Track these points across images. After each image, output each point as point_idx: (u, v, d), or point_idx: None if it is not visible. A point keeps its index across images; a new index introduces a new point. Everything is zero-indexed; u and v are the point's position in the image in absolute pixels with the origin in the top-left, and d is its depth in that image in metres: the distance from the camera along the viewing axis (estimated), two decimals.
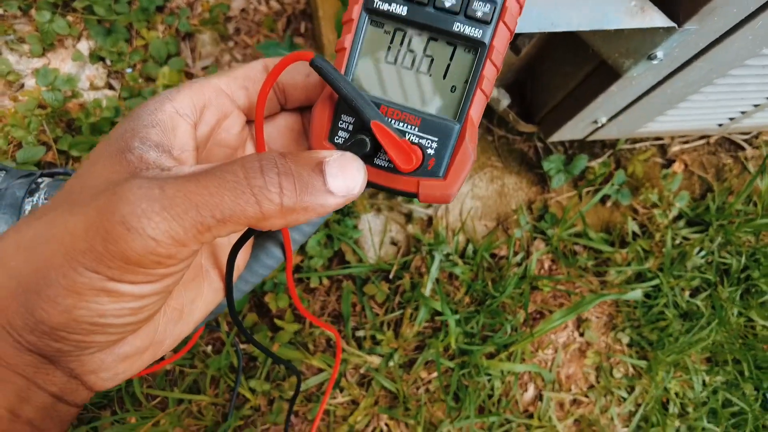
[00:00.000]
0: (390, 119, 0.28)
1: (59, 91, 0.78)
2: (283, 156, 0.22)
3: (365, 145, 0.27)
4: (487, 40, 0.26)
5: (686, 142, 0.87)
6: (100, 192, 0.21)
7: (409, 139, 0.28)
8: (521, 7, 0.27)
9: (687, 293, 0.82)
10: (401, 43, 0.27)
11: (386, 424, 0.71)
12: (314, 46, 0.88)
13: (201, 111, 0.26)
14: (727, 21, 0.41)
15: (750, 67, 0.50)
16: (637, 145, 0.84)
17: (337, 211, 0.73)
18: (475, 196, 0.77)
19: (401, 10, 0.27)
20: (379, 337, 0.72)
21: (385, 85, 0.28)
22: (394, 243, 0.75)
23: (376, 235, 0.74)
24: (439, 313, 0.72)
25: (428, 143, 0.27)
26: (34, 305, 0.20)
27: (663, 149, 0.86)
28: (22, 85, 0.84)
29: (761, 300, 0.83)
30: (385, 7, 0.26)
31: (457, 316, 0.72)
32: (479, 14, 0.26)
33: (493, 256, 0.76)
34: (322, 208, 0.23)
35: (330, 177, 0.22)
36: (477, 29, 0.26)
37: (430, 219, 0.75)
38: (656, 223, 0.80)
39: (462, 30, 0.26)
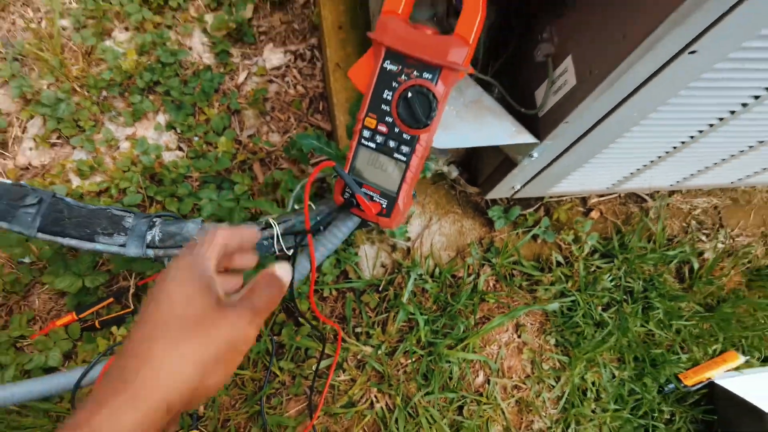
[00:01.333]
0: (365, 190, 0.60)
1: (150, 155, 1.10)
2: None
3: (354, 203, 0.59)
4: (408, 159, 0.58)
5: (602, 196, 1.17)
6: (209, 317, 0.39)
7: (374, 199, 0.60)
8: (428, 145, 0.58)
9: (599, 308, 1.11)
10: (372, 156, 0.59)
11: (375, 396, 1.00)
12: (329, 122, 1.21)
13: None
14: (567, 138, 0.72)
15: (601, 158, 0.81)
16: (563, 198, 1.14)
17: (343, 241, 1.03)
18: (441, 233, 1.08)
19: (374, 145, 0.58)
20: (371, 332, 1.01)
21: (366, 173, 0.60)
22: (383, 265, 1.05)
23: (370, 260, 1.04)
24: (413, 315, 1.01)
25: (383, 202, 0.59)
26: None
27: (584, 201, 1.16)
28: (118, 147, 1.16)
29: (656, 314, 1.12)
30: (368, 144, 0.58)
31: (426, 317, 1.01)
32: (405, 149, 0.58)
33: (453, 276, 1.06)
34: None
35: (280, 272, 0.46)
36: (403, 155, 0.58)
37: (408, 249, 1.06)
38: (574, 255, 1.10)
39: (397, 155, 0.58)
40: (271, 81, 1.25)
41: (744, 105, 0.66)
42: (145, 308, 0.40)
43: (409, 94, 0.60)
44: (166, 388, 0.36)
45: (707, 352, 1.16)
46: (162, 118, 1.18)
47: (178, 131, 1.18)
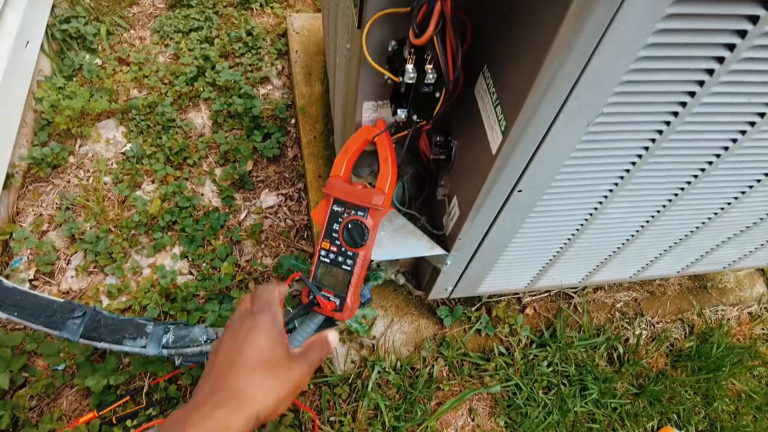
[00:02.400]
0: (324, 293, 0.87)
1: (168, 278, 1.38)
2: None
3: (315, 303, 0.85)
4: (352, 269, 0.85)
5: (534, 295, 1.42)
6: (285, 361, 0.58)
7: (330, 299, 0.86)
8: (366, 258, 0.86)
9: (541, 391, 1.29)
10: (328, 268, 0.87)
11: None
12: (312, 246, 1.51)
13: None
14: (467, 250, 1.00)
15: (502, 263, 1.08)
16: (501, 297, 1.39)
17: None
18: (401, 331, 1.31)
19: (328, 260, 0.86)
20: (343, 420, 1.20)
21: (324, 280, 0.87)
22: (353, 361, 1.27)
23: (341, 357, 1.26)
24: (379, 403, 1.21)
25: (336, 301, 0.86)
26: None
27: (519, 299, 1.41)
28: (141, 273, 1.44)
29: (592, 394, 1.30)
30: (325, 259, 0.87)
31: (389, 405, 1.20)
32: (349, 262, 0.85)
33: (412, 368, 1.27)
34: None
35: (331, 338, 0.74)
36: (349, 266, 0.86)
37: (374, 345, 1.28)
38: (513, 346, 1.32)
39: (345, 266, 0.86)
40: (266, 217, 1.57)
41: (584, 222, 0.95)
42: (235, 349, 0.55)
43: (350, 225, 0.90)
44: (260, 404, 0.52)
45: (646, 429, 1.31)
46: (177, 250, 1.49)
47: (190, 259, 1.47)
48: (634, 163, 0.81)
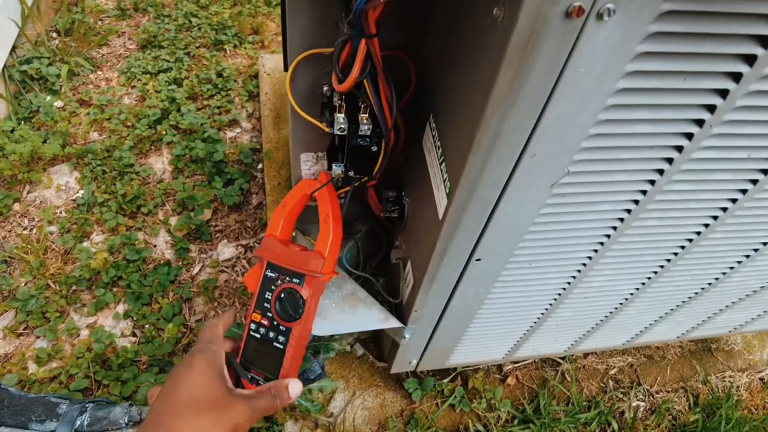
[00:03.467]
0: (254, 375, 0.71)
1: (103, 342, 1.23)
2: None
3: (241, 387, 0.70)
4: (284, 347, 0.71)
5: (516, 362, 1.26)
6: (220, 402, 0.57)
7: (259, 383, 0.71)
8: (302, 334, 0.72)
9: None
10: (258, 344, 0.72)
11: None
12: None
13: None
14: (427, 323, 0.85)
15: (471, 336, 0.93)
16: (480, 366, 1.24)
17: (265, 419, 1.10)
18: (364, 407, 1.15)
19: (259, 335, 0.72)
20: None
21: (254, 359, 0.72)
22: None
23: None
24: None
25: (264, 384, 0.71)
26: None
27: (500, 367, 1.25)
28: (78, 335, 1.29)
29: None
30: (255, 334, 0.72)
31: None
32: (281, 339, 0.71)
33: None
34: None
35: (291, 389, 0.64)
36: (281, 344, 0.71)
37: (330, 425, 1.12)
38: (492, 424, 1.15)
39: (276, 344, 0.71)
40: (222, 271, 1.43)
41: (562, 291, 0.81)
42: (171, 388, 0.54)
43: (282, 295, 0.76)
44: None
45: None
46: (121, 308, 1.34)
47: (134, 319, 1.32)
48: (615, 228, 0.68)
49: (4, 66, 1.71)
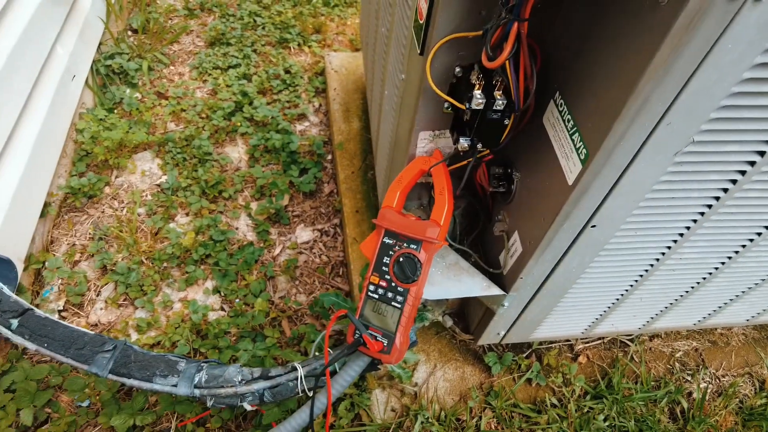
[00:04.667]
0: (371, 332, 0.79)
1: (199, 314, 1.32)
2: None
3: (361, 342, 0.78)
4: (402, 307, 0.78)
5: (587, 342, 1.32)
6: None
7: (377, 339, 0.79)
8: (417, 296, 0.80)
9: None
10: (376, 304, 0.80)
11: None
12: (347, 283, 1.44)
13: None
14: (528, 291, 0.92)
15: (563, 305, 1.00)
16: (552, 344, 1.30)
17: (355, 385, 1.18)
18: (445, 379, 1.22)
19: (377, 296, 0.80)
20: None
21: (371, 318, 0.80)
22: (393, 409, 1.18)
23: (381, 404, 1.17)
24: None
25: (384, 341, 0.79)
26: None
27: (571, 347, 1.31)
28: (172, 308, 1.39)
29: None
30: (373, 295, 0.80)
31: None
32: (399, 299, 0.79)
33: (457, 419, 1.18)
34: None
35: None
36: (398, 303, 0.79)
37: (415, 393, 1.19)
38: (567, 397, 1.21)
39: (394, 303, 0.79)
40: (300, 253, 1.52)
41: (656, 261, 0.87)
42: None
43: (401, 259, 0.84)
44: None
45: None
46: (210, 284, 1.44)
47: (223, 294, 1.42)
48: (717, 198, 0.74)
49: (92, 61, 1.83)
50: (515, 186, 0.86)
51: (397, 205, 0.88)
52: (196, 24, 2.26)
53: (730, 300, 1.09)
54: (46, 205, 1.48)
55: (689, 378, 1.32)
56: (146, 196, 1.62)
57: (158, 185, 1.65)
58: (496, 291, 0.91)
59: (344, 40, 2.26)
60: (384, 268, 0.86)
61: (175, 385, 1.02)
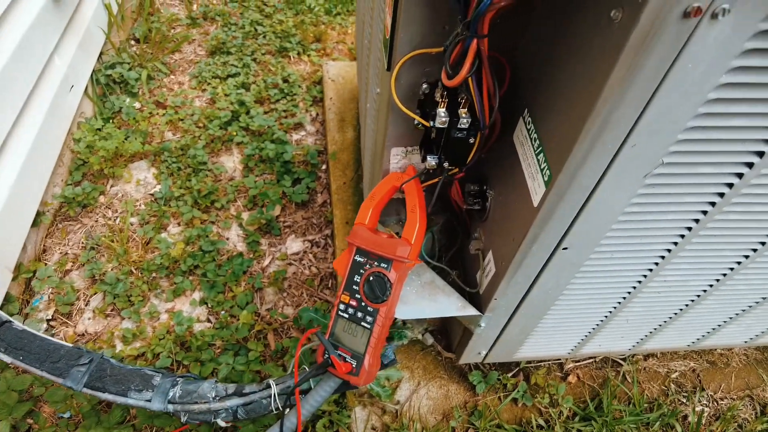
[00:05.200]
0: (340, 353, 0.77)
1: (183, 326, 1.32)
2: None
3: (330, 363, 0.76)
4: (371, 327, 0.76)
5: (578, 361, 1.28)
6: None
7: (346, 360, 0.77)
8: (388, 316, 0.77)
9: None
10: (346, 324, 0.78)
11: None
12: (334, 296, 1.42)
13: None
14: (504, 312, 0.89)
15: (544, 326, 0.96)
16: (541, 363, 1.26)
17: (335, 402, 1.16)
18: (429, 397, 1.19)
19: (347, 315, 0.78)
20: None
21: (341, 338, 0.78)
22: (373, 428, 1.15)
23: (361, 422, 1.15)
24: None
25: (353, 363, 0.76)
26: None
27: (561, 366, 1.28)
28: (158, 318, 1.39)
29: None
30: (344, 314, 0.78)
31: None
32: (369, 319, 0.77)
33: None
34: None
35: None
36: (368, 323, 0.77)
37: (397, 412, 1.17)
38: (554, 419, 1.18)
39: (364, 324, 0.77)
40: (290, 264, 1.51)
41: (638, 284, 0.84)
42: None
43: (371, 278, 0.82)
44: None
45: None
46: (197, 295, 1.43)
47: (209, 306, 1.41)
48: (697, 220, 0.71)
49: (92, 71, 1.85)
50: (489, 204, 0.83)
51: (370, 222, 0.86)
52: (199, 33, 2.27)
53: (724, 322, 1.04)
54: (40, 214, 1.49)
55: (685, 400, 1.27)
56: (140, 205, 1.62)
57: (152, 195, 1.65)
58: (471, 311, 0.89)
59: (344, 48, 2.25)
60: (355, 287, 0.84)
61: (149, 400, 1.01)
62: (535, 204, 0.65)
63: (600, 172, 0.59)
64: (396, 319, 0.91)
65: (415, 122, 0.77)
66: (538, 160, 0.64)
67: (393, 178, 0.86)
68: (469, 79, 0.62)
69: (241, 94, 1.95)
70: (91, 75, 1.85)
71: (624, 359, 1.30)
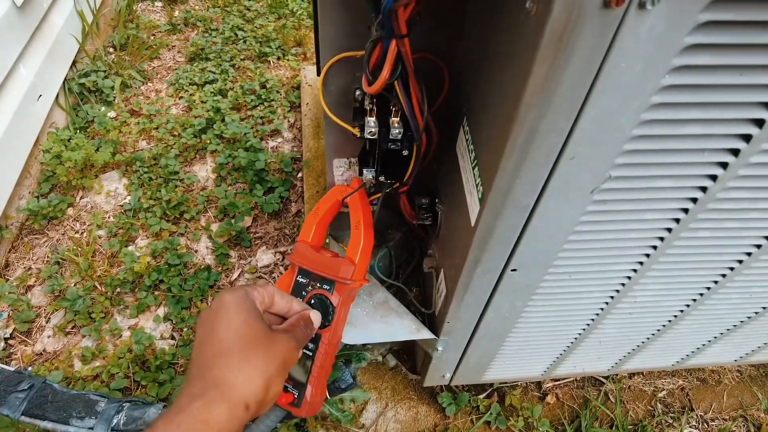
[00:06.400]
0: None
1: (143, 344, 1.26)
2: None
3: None
4: (314, 354, 0.69)
5: (557, 380, 1.20)
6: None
7: (287, 390, 0.70)
8: (332, 342, 0.70)
9: None
10: None
11: None
12: None
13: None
14: (461, 335, 0.82)
15: (509, 350, 0.89)
16: (518, 383, 1.19)
17: (296, 426, 1.09)
18: (396, 420, 1.12)
19: None
20: None
21: None
22: None
23: None
24: None
25: (294, 392, 0.70)
26: None
27: (539, 385, 1.20)
28: (121, 336, 1.34)
29: None
30: None
31: None
32: (311, 346, 0.70)
33: None
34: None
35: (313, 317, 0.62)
36: (310, 350, 0.70)
37: None
38: None
39: (305, 350, 0.70)
40: (260, 277, 1.45)
41: (605, 305, 0.76)
42: (205, 333, 0.48)
43: (313, 301, 0.75)
44: (245, 390, 0.45)
45: None
46: (162, 311, 1.37)
47: (174, 322, 1.35)
48: (662, 239, 0.63)
49: (65, 79, 1.81)
50: (440, 219, 0.77)
51: (314, 239, 0.80)
52: (178, 39, 2.23)
53: (708, 342, 0.96)
54: (2, 228, 1.44)
55: (672, 422, 1.18)
56: (109, 217, 1.57)
57: (122, 206, 1.60)
58: (426, 335, 0.82)
59: None
60: None
61: (92, 428, 0.95)
62: (472, 223, 0.58)
63: (538, 189, 0.52)
64: (342, 344, 0.84)
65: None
66: (474, 174, 0.58)
67: (337, 191, 0.80)
68: (396, 84, 0.55)
69: (217, 101, 1.89)
70: (63, 84, 1.81)
71: (607, 378, 1.22)
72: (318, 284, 0.76)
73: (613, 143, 0.48)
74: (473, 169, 0.58)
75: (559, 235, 0.59)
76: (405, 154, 0.62)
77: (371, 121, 0.60)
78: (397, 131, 0.60)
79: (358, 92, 0.66)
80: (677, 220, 0.60)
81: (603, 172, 0.51)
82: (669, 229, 0.62)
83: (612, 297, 0.75)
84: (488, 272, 0.65)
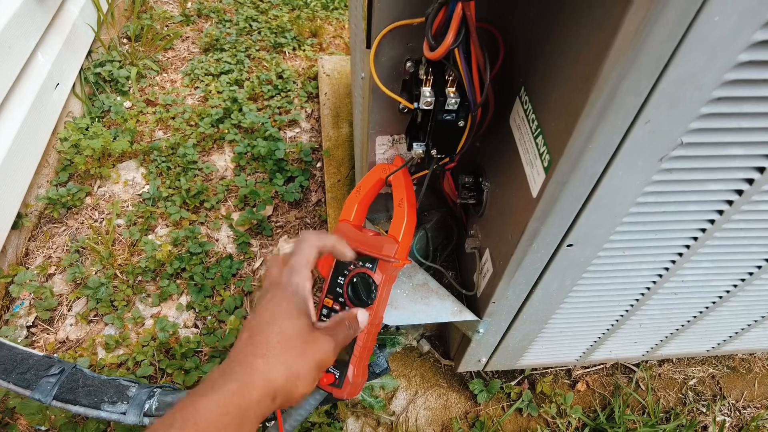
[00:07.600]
0: None
1: (167, 332, 1.25)
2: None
3: None
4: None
5: (587, 367, 1.19)
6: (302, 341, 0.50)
7: (328, 370, 0.69)
8: (374, 321, 0.69)
9: None
10: None
11: None
12: None
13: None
14: (504, 316, 0.81)
15: (549, 332, 0.88)
16: (547, 370, 1.17)
17: (326, 414, 1.08)
18: (427, 407, 1.11)
19: None
20: None
21: None
22: None
23: None
24: None
25: (336, 373, 0.68)
26: None
27: (569, 372, 1.19)
28: (143, 324, 1.32)
29: None
30: (326, 320, 0.70)
31: None
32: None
33: None
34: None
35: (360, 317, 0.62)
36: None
37: (392, 424, 1.08)
38: (562, 430, 1.09)
39: None
40: None
41: (652, 285, 0.75)
42: (254, 321, 0.51)
43: (355, 279, 0.74)
44: (275, 382, 0.47)
45: None
46: (184, 299, 1.36)
47: (197, 311, 1.34)
48: (721, 212, 0.62)
49: (81, 69, 1.80)
50: (485, 197, 0.75)
51: (355, 218, 0.78)
52: (192, 30, 2.21)
53: (748, 325, 0.95)
54: (21, 216, 1.43)
55: (704, 409, 1.17)
56: (127, 206, 1.56)
57: (140, 195, 1.59)
58: (468, 316, 0.81)
59: (341, 43, 2.18)
60: (338, 289, 0.76)
61: (124, 413, 0.93)
62: (534, 194, 0.57)
63: (608, 156, 0.50)
64: (383, 325, 0.83)
65: (400, 106, 0.69)
66: (536, 144, 0.56)
67: (379, 170, 0.78)
68: (456, 51, 0.54)
69: (234, 91, 1.88)
70: (80, 73, 1.79)
71: (637, 365, 1.21)
72: (360, 263, 0.74)
73: (690, 105, 0.47)
74: (535, 138, 0.56)
75: (621, 206, 0.58)
76: (461, 125, 0.61)
77: (426, 91, 0.59)
78: (453, 101, 0.58)
79: (408, 64, 0.64)
80: (740, 192, 0.59)
81: (675, 138, 0.50)
82: (730, 202, 0.60)
83: (660, 276, 0.74)
84: (544, 247, 0.63)
